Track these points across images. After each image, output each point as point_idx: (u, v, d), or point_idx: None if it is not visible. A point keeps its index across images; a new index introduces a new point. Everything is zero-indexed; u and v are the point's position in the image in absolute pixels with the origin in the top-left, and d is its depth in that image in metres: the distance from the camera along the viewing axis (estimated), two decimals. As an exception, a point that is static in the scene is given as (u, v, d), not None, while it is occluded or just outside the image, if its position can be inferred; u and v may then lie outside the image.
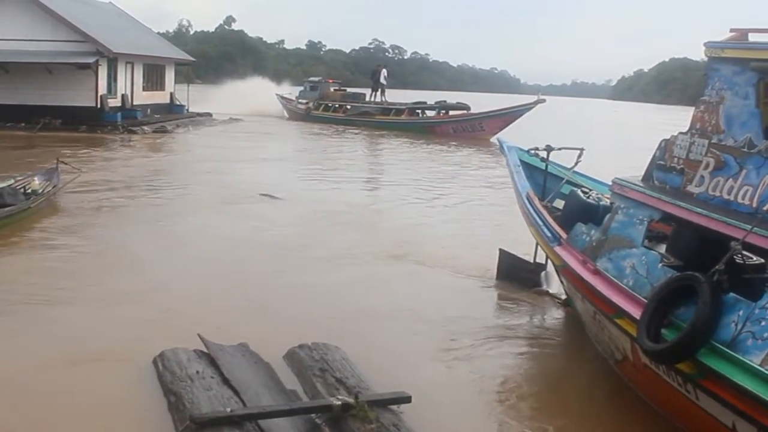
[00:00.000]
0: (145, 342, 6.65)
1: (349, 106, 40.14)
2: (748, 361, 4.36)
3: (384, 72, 40.91)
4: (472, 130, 33.97)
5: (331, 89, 43.39)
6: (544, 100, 33.02)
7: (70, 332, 7.24)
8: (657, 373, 5.35)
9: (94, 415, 5.60)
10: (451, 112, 36.51)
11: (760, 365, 4.28)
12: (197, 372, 5.84)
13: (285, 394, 5.75)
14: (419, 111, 38.08)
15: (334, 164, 22.95)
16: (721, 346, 4.58)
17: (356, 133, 35.05)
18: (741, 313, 4.60)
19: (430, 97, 44.89)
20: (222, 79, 60.04)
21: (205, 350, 6.30)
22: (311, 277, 9.43)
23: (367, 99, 40.79)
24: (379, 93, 40.33)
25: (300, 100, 43.39)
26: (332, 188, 17.75)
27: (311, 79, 46.31)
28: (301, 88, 45.09)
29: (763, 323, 4.42)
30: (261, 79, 56.98)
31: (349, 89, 45.86)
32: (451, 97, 48.07)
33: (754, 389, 4.23)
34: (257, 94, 46.21)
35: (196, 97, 40.11)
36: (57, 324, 7.47)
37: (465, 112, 35.98)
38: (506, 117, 33.97)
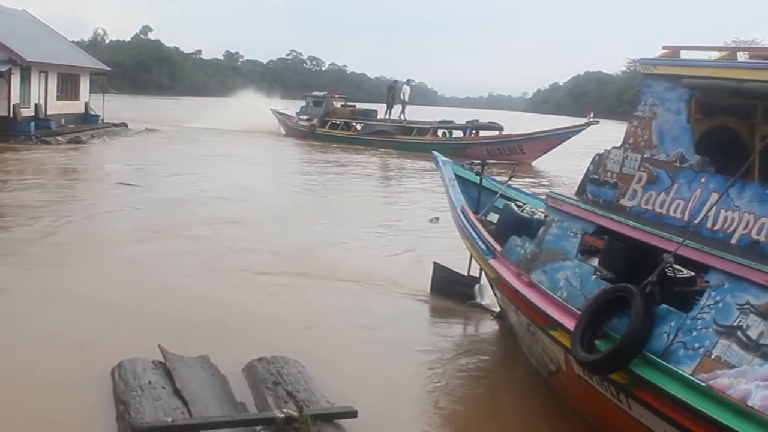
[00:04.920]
0: (110, 352, 6.50)
1: (361, 125, 37.26)
2: (679, 371, 4.43)
3: (407, 89, 37.09)
4: (509, 153, 30.34)
5: (339, 105, 39.95)
6: (597, 122, 30.54)
7: (23, 343, 7.08)
8: (590, 383, 5.41)
9: (42, 423, 5.57)
10: (482, 133, 33.66)
11: (691, 374, 4.35)
12: (149, 382, 5.81)
13: (234, 406, 5.69)
14: (446, 131, 34.89)
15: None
16: (653, 357, 4.65)
17: (371, 155, 32.02)
18: (673, 324, 4.68)
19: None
20: (138, 89, 58.43)
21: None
22: (262, 295, 9.35)
23: (384, 116, 37.32)
24: (399, 111, 36.65)
25: (302, 117, 40.05)
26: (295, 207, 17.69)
27: (315, 93, 41.97)
28: (303, 103, 41.28)
29: (694, 333, 4.51)
30: (253, 94, 54.21)
31: (358, 105, 41.90)
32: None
33: (686, 398, 4.30)
34: (249, 110, 43.74)
35: (114, 107, 39.66)
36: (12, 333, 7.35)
37: (499, 133, 33.19)
38: (551, 140, 31.35)
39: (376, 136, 35.34)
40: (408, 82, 37.82)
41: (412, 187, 22.40)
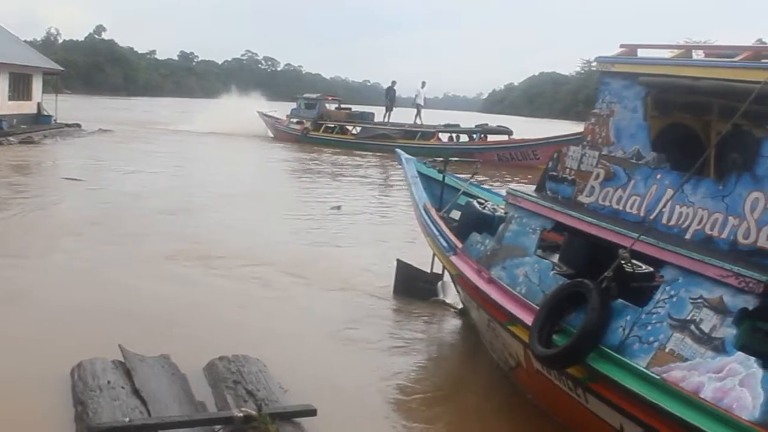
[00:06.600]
0: (69, 352, 6.42)
1: (359, 128, 35.68)
2: (634, 365, 4.49)
3: (423, 92, 35.33)
4: (522, 159, 29.18)
5: (333, 107, 38.35)
6: None
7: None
8: (549, 378, 5.46)
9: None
10: (489, 137, 32.15)
11: (645, 368, 4.42)
12: (108, 382, 5.75)
13: (194, 405, 5.65)
14: (453, 135, 33.34)
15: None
16: (609, 351, 4.70)
17: (371, 159, 30.27)
18: (628, 318, 4.75)
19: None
20: (92, 90, 57.44)
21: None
22: (222, 291, 9.29)
23: (383, 120, 35.75)
24: (415, 114, 34.96)
25: (292, 120, 38.46)
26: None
27: (307, 95, 39.74)
28: (293, 105, 39.56)
29: (649, 327, 4.57)
30: (238, 97, 51.94)
31: (354, 108, 40.32)
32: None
33: (640, 391, 4.36)
34: (233, 112, 41.95)
35: (68, 107, 39.48)
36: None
37: (508, 137, 31.75)
38: (567, 145, 29.61)
39: (375, 140, 33.43)
40: (423, 84, 35.88)
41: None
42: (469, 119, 38.94)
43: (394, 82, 37.29)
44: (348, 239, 13.24)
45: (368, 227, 14.89)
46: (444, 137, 33.57)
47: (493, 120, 38.18)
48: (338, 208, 16.58)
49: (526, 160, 28.98)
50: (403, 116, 36.99)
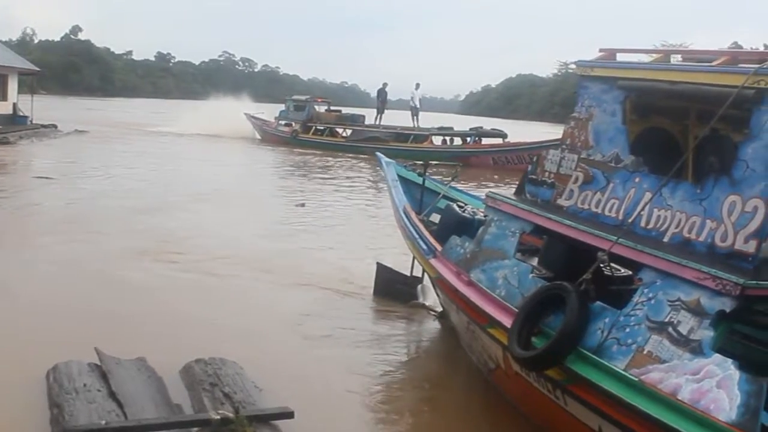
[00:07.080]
0: (45, 354, 6.35)
1: (349, 131, 35.09)
2: (613, 366, 4.51)
3: (417, 94, 35.01)
4: (519, 163, 28.25)
5: (323, 109, 37.50)
6: None
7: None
8: (527, 380, 5.47)
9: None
10: (484, 140, 31.98)
11: (623, 370, 4.44)
12: (84, 385, 5.71)
13: (170, 408, 5.61)
14: (447, 138, 32.92)
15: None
16: (588, 353, 4.72)
17: (361, 162, 29.06)
18: (607, 320, 4.77)
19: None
20: (68, 90, 56.77)
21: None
22: (196, 292, 9.22)
23: (374, 122, 35.37)
24: (412, 117, 34.45)
25: (280, 122, 38.15)
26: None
27: (296, 97, 39.33)
28: (281, 107, 39.18)
29: (627, 330, 4.60)
30: (228, 99, 50.76)
31: (344, 110, 39.72)
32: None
33: (618, 393, 4.38)
34: (219, 113, 41.36)
35: (43, 107, 38.94)
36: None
37: (503, 140, 31.67)
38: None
39: (366, 143, 31.72)
40: (417, 86, 35.64)
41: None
42: (448, 121, 38.69)
43: (385, 84, 36.63)
44: (329, 241, 13.17)
45: (352, 229, 14.80)
46: (437, 140, 33.43)
47: (473, 122, 38.20)
48: (302, 205, 16.74)
49: (521, 163, 28.24)
50: (393, 119, 37.00)
